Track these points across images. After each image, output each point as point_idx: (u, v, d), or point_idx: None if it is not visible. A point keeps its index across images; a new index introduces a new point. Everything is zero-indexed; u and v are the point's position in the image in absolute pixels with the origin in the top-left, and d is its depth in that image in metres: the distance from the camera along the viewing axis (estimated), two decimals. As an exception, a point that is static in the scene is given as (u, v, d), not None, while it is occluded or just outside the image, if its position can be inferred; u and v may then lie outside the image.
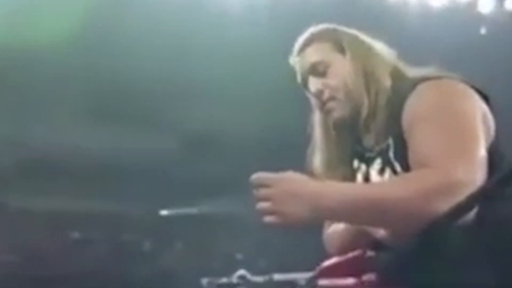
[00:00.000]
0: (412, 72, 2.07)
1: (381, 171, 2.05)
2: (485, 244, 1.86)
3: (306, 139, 2.21)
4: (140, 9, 6.74)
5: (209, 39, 6.72)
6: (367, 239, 2.05)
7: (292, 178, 1.83)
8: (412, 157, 1.88)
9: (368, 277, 1.94)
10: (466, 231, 1.78)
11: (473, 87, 1.96)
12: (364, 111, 2.06)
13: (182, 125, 7.97)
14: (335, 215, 1.88)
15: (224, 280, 2.16)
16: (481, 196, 1.65)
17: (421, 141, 1.86)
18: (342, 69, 2.08)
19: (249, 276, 2.16)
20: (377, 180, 2.05)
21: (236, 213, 7.47)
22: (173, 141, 8.22)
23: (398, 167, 1.97)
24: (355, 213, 1.83)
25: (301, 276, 2.09)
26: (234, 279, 2.15)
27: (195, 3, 6.69)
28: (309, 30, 2.16)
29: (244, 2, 6.76)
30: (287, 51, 2.18)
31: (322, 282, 2.04)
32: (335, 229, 2.18)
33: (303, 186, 1.81)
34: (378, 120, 2.03)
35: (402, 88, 1.99)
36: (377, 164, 2.07)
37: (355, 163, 2.16)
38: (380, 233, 2.00)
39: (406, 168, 1.91)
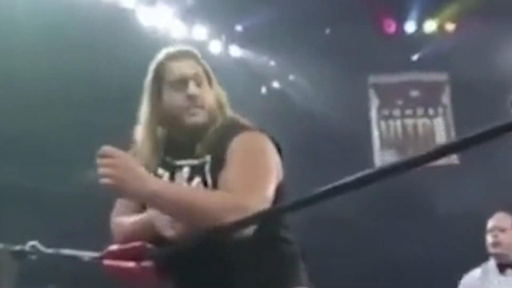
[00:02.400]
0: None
1: (190, 179, 2.39)
2: (254, 256, 2.32)
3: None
4: None
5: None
6: (152, 234, 2.30)
7: (132, 158, 2.22)
8: (222, 180, 2.29)
9: (146, 263, 2.24)
10: (240, 243, 2.19)
11: (273, 139, 2.42)
12: (212, 128, 2.42)
13: None
14: (153, 199, 2.18)
15: (17, 247, 2.20)
16: (260, 218, 2.08)
17: (231, 171, 2.27)
18: (209, 91, 2.46)
19: (40, 246, 2.21)
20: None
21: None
22: None
23: (209, 180, 2.35)
24: (168, 202, 2.17)
25: (87, 254, 2.27)
26: (27, 247, 2.20)
27: None
28: (185, 47, 2.52)
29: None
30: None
31: (107, 262, 2.28)
32: (122, 220, 2.44)
33: (139, 167, 2.16)
34: (209, 138, 2.39)
35: (232, 126, 2.42)
36: (185, 172, 2.41)
37: (159, 170, 2.45)
38: (169, 232, 2.29)
39: (215, 182, 2.32)
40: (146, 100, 2.48)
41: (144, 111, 2.48)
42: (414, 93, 9.57)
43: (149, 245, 2.29)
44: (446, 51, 9.10)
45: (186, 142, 2.43)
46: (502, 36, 8.76)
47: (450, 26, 9.15)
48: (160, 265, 2.26)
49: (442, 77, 9.54)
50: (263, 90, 9.37)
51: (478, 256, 4.74)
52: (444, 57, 9.17)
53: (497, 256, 4.63)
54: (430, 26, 9.13)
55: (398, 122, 9.60)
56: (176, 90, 2.43)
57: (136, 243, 2.30)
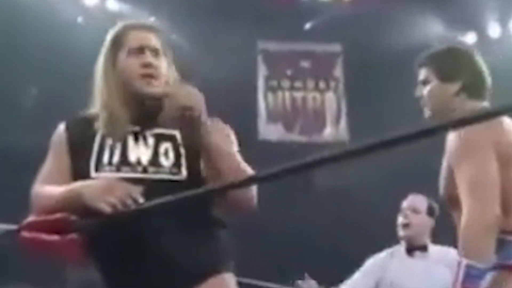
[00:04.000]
0: None
1: (156, 145, 2.43)
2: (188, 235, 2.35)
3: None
4: None
5: None
6: (80, 206, 2.26)
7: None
8: (225, 155, 2.36)
9: (72, 236, 2.21)
10: (175, 221, 2.27)
11: None
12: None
13: None
14: None
15: None
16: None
17: (232, 152, 2.40)
18: (166, 66, 2.49)
19: None
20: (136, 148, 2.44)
21: None
22: None
23: (183, 151, 2.41)
24: None
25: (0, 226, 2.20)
26: None
27: None
28: (149, 20, 2.51)
29: None
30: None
31: (25, 234, 2.23)
32: (47, 189, 2.40)
33: None
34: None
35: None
36: (150, 139, 2.44)
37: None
38: (98, 204, 2.23)
39: (190, 155, 2.39)
40: (100, 67, 2.51)
41: (98, 78, 2.51)
42: (305, 64, 9.08)
43: (73, 217, 2.22)
44: (341, 21, 8.76)
45: (140, 111, 2.47)
46: (397, 10, 8.58)
47: (347, -5, 8.70)
48: (85, 238, 2.22)
49: (335, 48, 9.06)
50: (142, 49, 8.64)
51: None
52: (338, 28, 8.80)
53: (406, 238, 4.39)
54: (327, -7, 8.64)
55: (287, 94, 9.07)
56: (132, 56, 2.48)
57: (60, 215, 2.22)
